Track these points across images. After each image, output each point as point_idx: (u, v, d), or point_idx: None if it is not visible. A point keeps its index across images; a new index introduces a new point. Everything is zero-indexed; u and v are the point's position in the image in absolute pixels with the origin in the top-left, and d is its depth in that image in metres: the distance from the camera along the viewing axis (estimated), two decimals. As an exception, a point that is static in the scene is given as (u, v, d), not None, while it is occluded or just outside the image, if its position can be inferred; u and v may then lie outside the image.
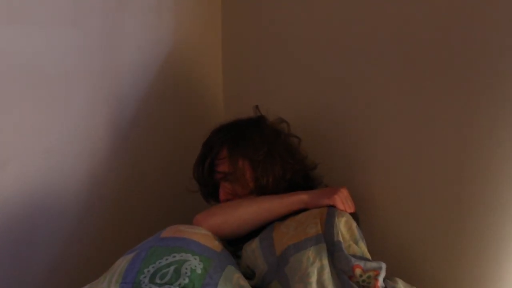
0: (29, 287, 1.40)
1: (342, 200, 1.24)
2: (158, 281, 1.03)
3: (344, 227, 1.19)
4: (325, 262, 1.10)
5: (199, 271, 1.06)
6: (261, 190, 1.32)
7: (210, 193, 1.42)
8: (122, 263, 1.08)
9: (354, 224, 1.22)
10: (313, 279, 1.08)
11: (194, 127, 1.70)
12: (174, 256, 1.08)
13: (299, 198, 1.26)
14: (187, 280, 1.04)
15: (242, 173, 1.32)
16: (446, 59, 1.17)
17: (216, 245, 1.17)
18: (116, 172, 1.54)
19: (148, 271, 1.05)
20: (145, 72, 1.58)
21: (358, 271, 1.10)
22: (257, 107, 1.44)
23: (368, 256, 1.18)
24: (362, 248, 1.19)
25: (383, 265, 1.13)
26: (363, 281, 1.10)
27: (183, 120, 1.69)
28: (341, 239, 1.15)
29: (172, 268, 1.05)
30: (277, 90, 1.56)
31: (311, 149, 1.43)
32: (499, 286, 1.12)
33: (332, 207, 1.23)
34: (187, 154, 1.68)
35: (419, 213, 1.27)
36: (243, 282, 1.09)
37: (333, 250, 1.13)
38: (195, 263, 1.08)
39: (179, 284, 1.02)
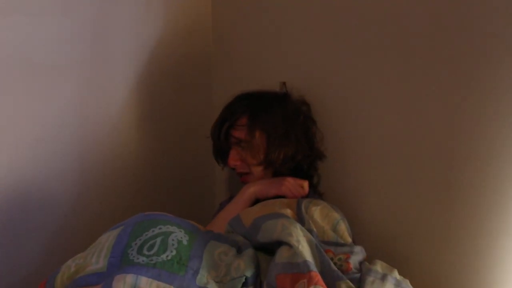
0: (20, 275, 1.40)
1: (290, 189, 1.33)
2: (146, 252, 1.04)
3: (320, 215, 1.22)
4: (300, 232, 1.11)
5: (185, 242, 1.08)
6: (269, 164, 1.37)
7: (221, 153, 1.47)
8: (109, 238, 1.09)
9: (332, 210, 1.25)
10: (294, 236, 1.07)
11: (185, 117, 1.72)
12: (160, 228, 1.09)
13: (248, 193, 1.36)
14: (174, 252, 1.05)
15: (257, 143, 1.36)
16: (439, 47, 1.17)
17: (200, 226, 1.19)
18: (106, 161, 1.55)
19: (136, 243, 1.06)
20: (136, 61, 1.59)
21: (329, 255, 1.12)
22: (284, 83, 1.47)
23: (347, 237, 1.20)
24: (340, 232, 1.21)
25: (356, 249, 1.15)
26: (335, 263, 1.11)
27: (173, 109, 1.70)
28: (312, 227, 1.17)
29: (159, 239, 1.06)
30: (268, 78, 1.56)
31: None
32: (489, 273, 1.12)
33: (302, 198, 1.29)
34: (178, 143, 1.70)
35: (409, 201, 1.27)
36: (225, 256, 1.10)
37: None
38: (181, 235, 1.09)
39: (167, 256, 1.03)
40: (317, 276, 0.99)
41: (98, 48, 1.50)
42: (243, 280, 1.03)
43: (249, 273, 1.04)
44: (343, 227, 1.23)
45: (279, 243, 1.08)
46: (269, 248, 1.12)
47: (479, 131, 1.11)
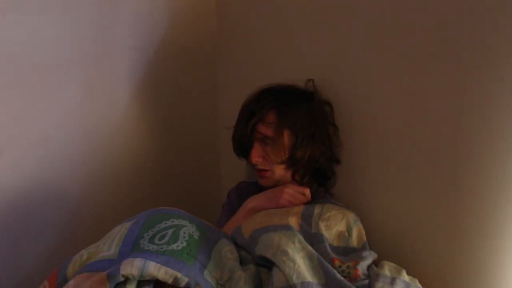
0: (25, 274, 1.40)
1: (290, 200, 1.32)
2: (157, 241, 1.04)
3: (334, 220, 1.23)
4: (298, 245, 1.11)
5: (196, 237, 1.09)
6: (293, 164, 1.35)
7: (243, 150, 1.43)
8: (121, 230, 1.10)
9: (348, 212, 1.26)
10: (289, 255, 1.08)
11: (189, 116, 1.72)
12: (173, 221, 1.10)
13: (247, 209, 1.34)
14: (185, 244, 1.05)
15: (282, 142, 1.34)
16: (455, 46, 1.15)
17: (211, 223, 1.19)
18: (111, 160, 1.54)
19: (147, 234, 1.07)
20: (139, 59, 1.58)
21: (337, 263, 1.13)
22: (312, 81, 1.44)
23: (363, 236, 1.22)
24: (357, 231, 1.23)
25: (364, 253, 1.15)
26: (343, 271, 1.11)
27: (178, 108, 1.70)
28: (322, 231, 1.18)
29: (170, 231, 1.07)
30: (274, 75, 1.55)
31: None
32: (497, 271, 1.11)
33: (308, 205, 1.29)
34: (183, 142, 1.69)
35: (415, 197, 1.26)
36: (231, 255, 1.10)
37: (312, 242, 1.15)
38: (192, 230, 1.10)
39: (177, 246, 1.04)
40: None
41: (101, 47, 1.50)
42: None
43: None
44: (360, 226, 1.25)
45: (274, 265, 1.08)
46: (266, 264, 1.12)
47: (484, 129, 1.10)
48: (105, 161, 1.53)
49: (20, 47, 1.34)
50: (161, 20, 1.62)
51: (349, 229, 1.23)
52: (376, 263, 1.18)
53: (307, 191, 1.35)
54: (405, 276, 1.11)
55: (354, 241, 1.22)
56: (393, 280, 1.07)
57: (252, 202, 1.35)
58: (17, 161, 1.37)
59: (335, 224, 1.23)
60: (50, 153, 1.42)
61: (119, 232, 1.09)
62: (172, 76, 1.67)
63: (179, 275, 0.99)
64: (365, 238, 1.24)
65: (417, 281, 1.11)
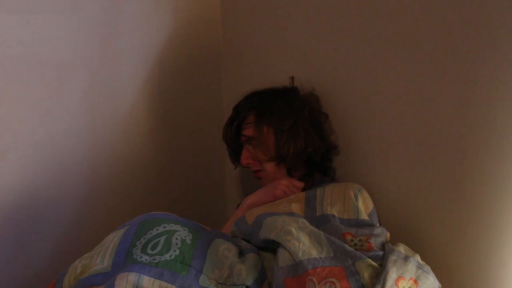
0: (30, 274, 1.40)
1: (285, 191, 1.33)
2: (149, 251, 1.04)
3: (338, 192, 1.23)
4: (302, 225, 1.11)
5: (188, 242, 1.08)
6: (282, 159, 1.37)
7: (235, 154, 1.47)
8: (114, 239, 1.09)
9: (350, 183, 1.27)
10: (294, 234, 1.07)
11: (194, 116, 1.71)
12: (164, 227, 1.09)
13: (246, 206, 1.35)
14: (177, 252, 1.05)
15: (266, 139, 1.37)
16: (451, 41, 1.14)
17: (205, 226, 1.19)
18: (117, 160, 1.54)
19: (140, 242, 1.06)
20: (145, 59, 1.58)
21: (348, 237, 1.12)
22: (292, 78, 1.47)
23: (369, 203, 1.23)
24: (363, 198, 1.24)
25: (377, 230, 1.14)
26: (355, 244, 1.11)
27: (183, 108, 1.69)
28: (329, 211, 1.17)
29: (162, 238, 1.06)
30: (278, 73, 1.54)
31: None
32: (501, 267, 1.10)
33: (308, 189, 1.30)
34: (188, 143, 1.68)
35: (420, 195, 1.25)
36: (228, 252, 1.09)
37: (318, 225, 1.14)
38: (184, 234, 1.09)
39: (170, 256, 1.03)
40: (325, 270, 0.98)
41: (108, 46, 1.50)
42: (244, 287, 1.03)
43: (249, 282, 1.04)
44: (366, 195, 1.25)
45: (279, 244, 1.07)
46: (271, 247, 1.11)
47: (490, 127, 1.09)
48: (110, 161, 1.53)
49: (25, 47, 1.35)
50: (166, 22, 1.62)
51: (355, 196, 1.24)
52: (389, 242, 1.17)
53: (301, 185, 1.37)
54: (419, 259, 1.10)
55: (361, 208, 1.22)
56: (407, 257, 1.06)
57: (250, 198, 1.37)
58: (22, 161, 1.37)
59: (340, 197, 1.23)
60: (55, 153, 1.42)
61: (112, 241, 1.09)
62: (177, 76, 1.67)
63: (173, 287, 0.99)
64: (372, 205, 1.24)
65: (429, 267, 1.09)
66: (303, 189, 1.37)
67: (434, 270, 1.13)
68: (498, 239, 1.09)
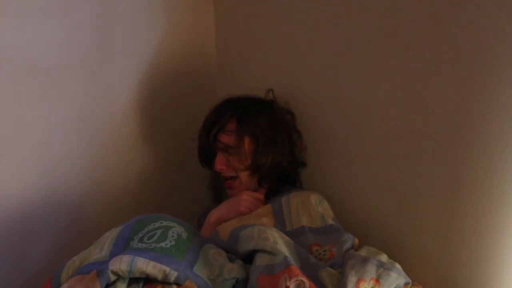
0: (27, 278, 1.41)
1: (249, 207, 1.33)
2: (146, 240, 1.06)
3: (302, 203, 1.27)
4: (276, 234, 1.14)
5: (184, 237, 1.10)
6: (257, 169, 1.38)
7: (206, 157, 1.47)
8: (112, 234, 1.12)
9: (312, 192, 1.31)
10: (270, 240, 1.10)
11: (189, 119, 1.71)
12: (162, 223, 1.11)
13: (211, 222, 1.34)
14: (173, 242, 1.07)
15: (244, 149, 1.37)
16: (441, 42, 1.15)
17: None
18: (111, 164, 1.55)
19: (137, 236, 1.09)
20: (139, 63, 1.59)
21: (314, 248, 1.16)
22: (271, 90, 1.48)
23: (330, 213, 1.27)
24: (323, 208, 1.27)
25: (344, 237, 1.17)
26: (319, 254, 1.15)
27: (177, 111, 1.70)
28: (298, 224, 1.22)
29: (159, 231, 1.09)
30: (271, 83, 1.55)
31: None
32: (496, 270, 1.10)
33: (274, 203, 1.31)
34: (183, 147, 1.69)
35: (412, 199, 1.25)
36: (218, 256, 1.11)
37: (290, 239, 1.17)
38: (180, 230, 1.12)
39: (166, 244, 1.06)
40: (297, 270, 1.01)
41: (101, 50, 1.50)
42: (235, 282, 1.06)
43: (241, 276, 1.07)
44: (326, 204, 1.30)
45: (258, 251, 1.10)
46: (251, 259, 1.12)
47: (483, 128, 1.09)
48: (105, 164, 1.54)
49: (19, 51, 1.35)
50: (160, 25, 1.62)
51: (317, 204, 1.28)
52: (356, 248, 1.19)
53: (261, 196, 1.38)
54: (382, 258, 1.11)
55: (325, 214, 1.26)
56: (365, 259, 1.09)
57: (214, 214, 1.37)
58: (17, 165, 1.38)
59: (306, 208, 1.26)
60: (50, 157, 1.43)
61: (110, 236, 1.11)
62: (171, 80, 1.67)
63: (167, 269, 1.00)
64: (332, 214, 1.28)
65: (397, 264, 1.11)
66: (265, 196, 1.40)
67: (425, 271, 1.16)
68: (491, 240, 1.09)
